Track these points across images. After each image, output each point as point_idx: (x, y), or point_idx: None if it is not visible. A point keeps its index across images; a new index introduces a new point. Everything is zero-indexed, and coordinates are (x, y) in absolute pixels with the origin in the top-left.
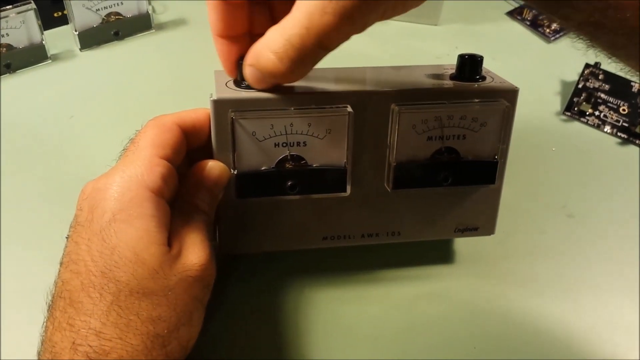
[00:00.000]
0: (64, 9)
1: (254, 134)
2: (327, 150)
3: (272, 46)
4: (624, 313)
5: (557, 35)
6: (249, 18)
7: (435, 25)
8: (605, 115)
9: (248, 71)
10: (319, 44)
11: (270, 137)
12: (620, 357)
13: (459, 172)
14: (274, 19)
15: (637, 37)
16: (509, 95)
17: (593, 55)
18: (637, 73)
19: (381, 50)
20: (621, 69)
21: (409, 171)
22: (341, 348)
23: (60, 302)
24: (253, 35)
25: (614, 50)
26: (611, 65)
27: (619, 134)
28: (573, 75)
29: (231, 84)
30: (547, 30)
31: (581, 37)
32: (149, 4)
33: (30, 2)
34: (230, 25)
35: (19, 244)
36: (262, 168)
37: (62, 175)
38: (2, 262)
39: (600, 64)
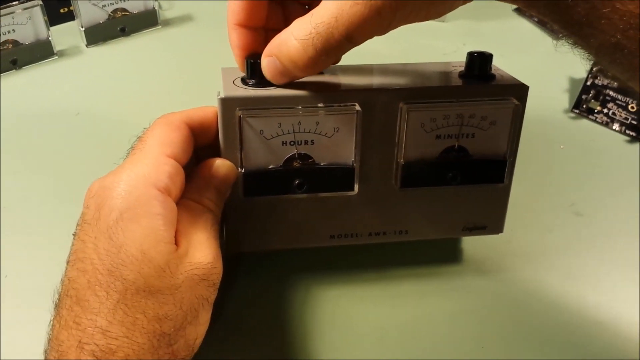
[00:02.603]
0: (70, 5)
1: (261, 132)
2: (335, 148)
3: (297, 34)
4: (633, 312)
5: None
6: (267, 13)
7: (443, 22)
8: (613, 113)
9: (266, 63)
10: (347, 35)
11: (278, 135)
12: (625, 356)
13: (467, 171)
14: (286, 21)
15: None
16: (519, 93)
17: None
18: None
19: (388, 46)
20: None
21: (417, 170)
22: (348, 346)
23: (66, 301)
24: (267, 30)
25: (632, 72)
26: None
27: (627, 131)
28: (581, 72)
29: (239, 82)
30: (555, 27)
31: (598, 60)
32: (155, 0)
33: None
34: (250, 16)
35: (25, 242)
36: (270, 166)
37: (68, 173)
38: (9, 260)
39: None
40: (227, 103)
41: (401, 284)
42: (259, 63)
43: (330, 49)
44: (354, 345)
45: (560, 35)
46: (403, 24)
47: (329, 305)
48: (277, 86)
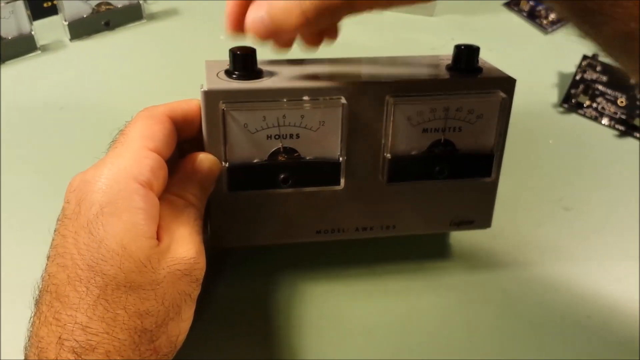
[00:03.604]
0: None
1: (245, 125)
2: (320, 142)
3: None
4: (621, 305)
5: (555, 27)
6: None
7: (431, 16)
8: (602, 107)
9: (254, 14)
10: None
11: (263, 129)
12: (618, 350)
13: (454, 165)
14: None
15: None
16: (506, 86)
17: (591, 46)
18: None
19: (376, 41)
20: None
21: (404, 164)
22: (335, 342)
23: (46, 296)
24: None
25: None
26: None
27: (616, 126)
28: (570, 66)
29: (222, 75)
30: (544, 22)
31: (609, 50)
32: None
33: None
34: None
35: (6, 237)
36: (254, 161)
37: (51, 167)
38: None
39: (598, 56)
40: (210, 96)
41: (388, 279)
42: (244, 55)
43: (327, 10)
44: (341, 341)
45: (557, 25)
46: (405, 4)
47: (316, 301)
48: (262, 79)
